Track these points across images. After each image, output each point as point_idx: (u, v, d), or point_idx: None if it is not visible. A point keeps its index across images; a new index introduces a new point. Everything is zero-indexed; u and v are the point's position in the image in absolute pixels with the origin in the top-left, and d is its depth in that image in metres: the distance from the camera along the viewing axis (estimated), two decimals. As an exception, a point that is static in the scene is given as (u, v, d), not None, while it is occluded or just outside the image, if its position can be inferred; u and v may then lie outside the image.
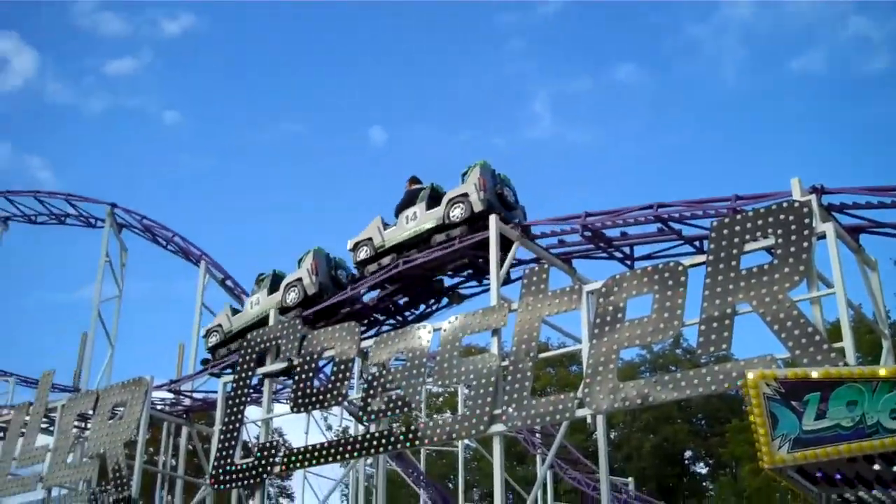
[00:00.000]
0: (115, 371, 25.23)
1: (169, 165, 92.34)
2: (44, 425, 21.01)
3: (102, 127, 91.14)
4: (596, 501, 23.17)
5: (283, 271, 19.42)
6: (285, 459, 15.80)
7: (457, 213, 16.56)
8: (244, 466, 16.11)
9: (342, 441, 15.70)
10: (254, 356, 16.99)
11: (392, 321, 18.38)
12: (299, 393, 15.81)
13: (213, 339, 20.30)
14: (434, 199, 17.24)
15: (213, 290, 25.77)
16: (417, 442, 14.89)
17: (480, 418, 13.71)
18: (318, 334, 16.28)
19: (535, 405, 13.36)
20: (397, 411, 15.07)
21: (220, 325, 20.34)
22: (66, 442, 19.68)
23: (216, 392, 19.03)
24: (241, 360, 17.09)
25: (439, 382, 15.04)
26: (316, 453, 15.44)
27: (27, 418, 20.62)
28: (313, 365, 16.02)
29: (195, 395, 22.42)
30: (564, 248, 16.12)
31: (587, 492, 26.12)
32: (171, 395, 23.37)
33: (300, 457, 15.66)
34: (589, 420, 13.68)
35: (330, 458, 15.47)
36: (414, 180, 18.34)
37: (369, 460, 26.72)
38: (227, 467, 16.25)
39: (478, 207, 16.14)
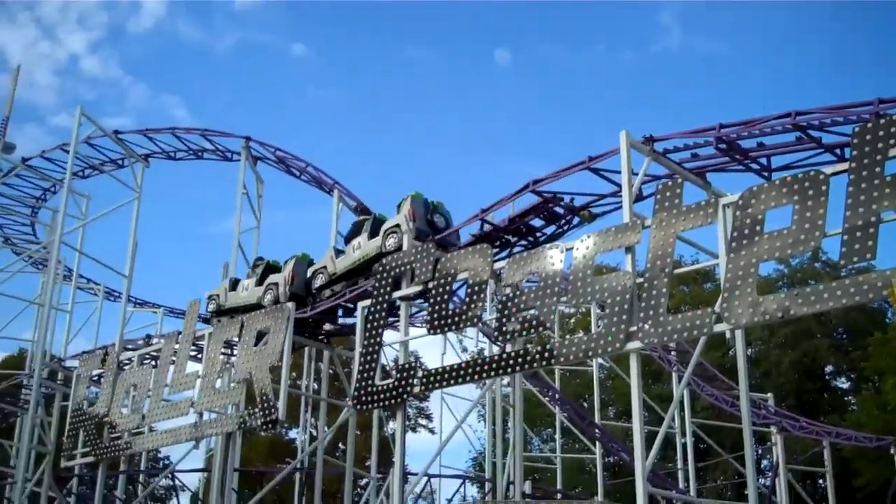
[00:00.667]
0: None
1: (298, 97, 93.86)
2: (192, 353, 21.93)
3: (233, 63, 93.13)
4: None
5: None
6: (424, 380, 16.14)
7: (391, 242, 18.73)
8: (384, 387, 16.53)
9: (478, 361, 15.93)
10: (390, 281, 17.31)
11: (524, 242, 18.38)
12: (435, 315, 16.07)
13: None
14: (375, 229, 19.51)
15: (347, 218, 26.24)
16: (553, 360, 14.98)
17: (616, 336, 13.70)
18: (451, 257, 16.47)
19: (671, 321, 13.27)
20: (532, 331, 15.19)
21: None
22: (214, 368, 20.50)
23: (355, 317, 19.51)
24: (377, 284, 17.43)
25: (573, 302, 15.09)
26: (453, 373, 15.72)
27: (176, 347, 21.57)
28: (447, 287, 16.24)
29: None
30: (698, 161, 15.75)
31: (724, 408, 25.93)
32: (311, 321, 24.06)
33: (438, 377, 15.95)
34: (727, 335, 13.50)
35: (467, 378, 15.73)
36: (363, 211, 21.66)
37: (505, 380, 27.04)
38: (368, 388, 16.69)
39: (409, 237, 18.26)
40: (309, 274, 21.09)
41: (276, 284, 21.28)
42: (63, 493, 26.86)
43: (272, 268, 22.19)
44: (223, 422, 20.09)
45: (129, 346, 24.12)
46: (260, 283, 21.84)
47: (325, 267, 20.70)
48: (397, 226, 18.81)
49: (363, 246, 19.67)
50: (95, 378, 24.15)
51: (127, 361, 23.25)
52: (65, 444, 24.12)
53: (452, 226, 19.02)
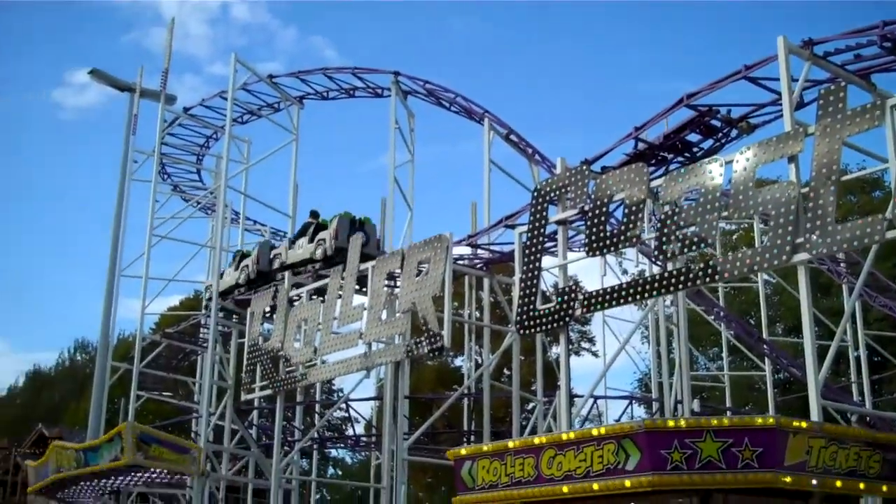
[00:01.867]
0: (415, 232, 26.49)
1: (443, 31, 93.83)
2: (357, 287, 22.58)
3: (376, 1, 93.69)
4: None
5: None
6: (585, 302, 16.13)
7: (318, 252, 24.65)
8: (546, 311, 16.59)
9: (640, 281, 15.80)
10: (545, 205, 17.30)
11: (680, 159, 18.04)
12: (593, 237, 15.97)
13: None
14: (314, 235, 24.84)
15: (498, 147, 26.31)
16: (717, 277, 14.68)
17: (782, 248, 13.34)
18: (606, 178, 16.29)
19: (839, 230, 12.83)
20: (693, 248, 14.95)
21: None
22: (379, 300, 21.03)
23: (512, 243, 19.65)
24: (533, 209, 17.43)
25: (734, 216, 14.74)
26: (615, 294, 15.63)
27: (342, 281, 22.22)
28: (604, 209, 16.09)
29: (492, 248, 23.19)
30: (861, 63, 15.04)
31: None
32: (469, 251, 24.36)
33: (599, 299, 15.88)
34: (901, 242, 12.97)
35: (629, 299, 15.62)
36: (312, 214, 25.87)
37: (668, 301, 26.77)
38: (530, 313, 16.81)
39: (330, 251, 23.96)
40: (271, 255, 26.43)
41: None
42: (244, 424, 28.29)
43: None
44: (391, 351, 20.64)
45: (298, 283, 24.99)
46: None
47: (280, 253, 26.24)
48: (324, 239, 24.52)
49: (304, 248, 25.21)
50: (268, 314, 25.15)
51: (296, 297, 24.09)
52: (243, 378, 25.29)
53: (374, 240, 24.43)
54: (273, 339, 23.99)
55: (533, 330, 17.01)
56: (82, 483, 23.96)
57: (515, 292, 17.83)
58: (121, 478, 23.69)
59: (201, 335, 30.38)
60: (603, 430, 10.76)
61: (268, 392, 24.15)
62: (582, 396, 21.52)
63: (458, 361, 47.66)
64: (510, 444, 12.00)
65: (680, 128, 17.21)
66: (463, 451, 12.61)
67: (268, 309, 24.96)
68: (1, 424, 70.81)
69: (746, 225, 33.06)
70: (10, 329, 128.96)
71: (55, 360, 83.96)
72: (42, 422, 47.11)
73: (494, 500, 12.11)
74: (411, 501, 43.44)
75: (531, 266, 17.06)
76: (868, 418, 20.86)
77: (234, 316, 28.68)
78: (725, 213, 14.84)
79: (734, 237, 40.84)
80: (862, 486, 10.92)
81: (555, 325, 16.43)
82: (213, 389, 27.87)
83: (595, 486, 10.50)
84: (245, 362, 25.01)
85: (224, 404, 27.15)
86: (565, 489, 10.85)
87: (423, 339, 19.50)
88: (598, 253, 16.10)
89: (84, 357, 76.87)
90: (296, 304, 23.95)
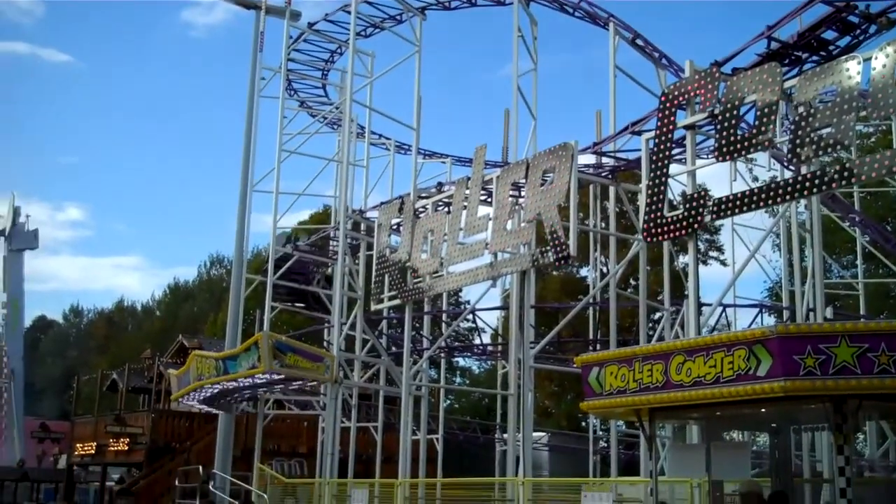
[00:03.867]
0: (540, 142, 26.28)
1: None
2: (482, 197, 22.68)
3: None
4: None
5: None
6: (714, 208, 15.83)
7: None
8: (674, 218, 16.37)
9: (772, 185, 15.41)
10: (673, 110, 16.94)
11: (815, 58, 17.36)
12: (723, 141, 15.59)
13: None
14: None
15: (624, 52, 25.81)
16: (853, 179, 14.18)
17: (924, 148, 12.80)
18: (737, 80, 15.81)
19: None
20: (828, 151, 14.46)
21: None
22: (504, 210, 21.10)
23: (638, 150, 19.36)
24: (661, 114, 17.10)
25: (872, 116, 14.19)
26: (745, 199, 15.26)
27: (467, 192, 22.33)
28: (735, 112, 15.64)
29: (618, 155, 22.91)
30: None
31: None
32: (594, 159, 24.12)
33: (728, 204, 15.56)
34: None
35: (759, 204, 15.24)
36: None
37: (800, 207, 26.06)
38: (658, 220, 16.57)
39: None
40: None
41: None
42: (375, 334, 29.01)
43: None
44: (517, 260, 20.76)
45: (423, 195, 25.25)
46: None
47: None
48: None
49: None
50: (394, 227, 25.55)
51: (422, 209, 24.38)
52: (372, 289, 25.88)
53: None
54: (400, 250, 24.42)
55: (660, 237, 16.81)
56: (221, 389, 24.99)
57: (642, 199, 17.63)
58: (259, 385, 24.61)
59: (331, 247, 31.08)
60: (734, 336, 10.64)
61: (396, 302, 24.67)
62: (710, 305, 21.29)
63: (583, 272, 47.63)
64: (639, 350, 11.99)
65: (815, 25, 16.53)
66: (591, 357, 12.68)
67: (395, 221, 25.35)
68: (143, 335, 74.46)
69: (885, 127, 31.70)
70: (148, 245, 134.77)
71: (193, 274, 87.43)
72: (182, 333, 49.22)
73: (622, 405, 12.19)
74: (538, 408, 44.06)
75: (659, 172, 16.79)
76: None
77: (362, 228, 29.25)
78: (863, 114, 14.30)
79: (872, 140, 39.23)
80: None
81: (683, 232, 16.20)
82: (344, 300, 28.60)
83: (725, 392, 10.44)
84: (374, 273, 25.55)
85: (354, 314, 27.86)
86: (694, 395, 10.82)
87: (548, 248, 19.53)
88: (728, 158, 15.74)
89: (220, 271, 79.75)
90: (421, 215, 24.25)
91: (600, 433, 31.86)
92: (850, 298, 31.85)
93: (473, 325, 32.83)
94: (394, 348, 30.43)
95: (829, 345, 9.66)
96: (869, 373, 9.51)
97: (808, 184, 14.39)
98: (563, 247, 19.06)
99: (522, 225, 20.49)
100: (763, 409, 11.66)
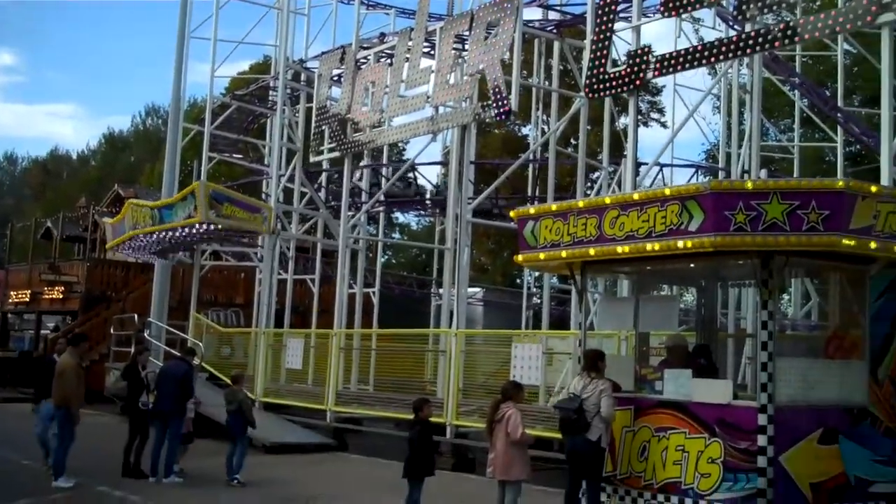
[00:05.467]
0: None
1: None
2: (426, 49, 22.27)
3: None
4: None
5: None
6: (657, 65, 15.73)
7: None
8: (616, 74, 16.25)
9: (714, 43, 15.30)
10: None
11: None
12: (669, -4, 15.38)
13: None
14: None
15: None
16: (797, 38, 14.17)
17: (867, 8, 12.75)
18: (685, -67, 15.48)
19: (931, -11, 12.19)
20: (773, 8, 14.36)
21: None
22: (447, 63, 20.79)
23: (585, 5, 19.07)
24: (607, -34, 16.74)
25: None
26: (689, 56, 15.18)
27: (410, 44, 21.90)
28: (682, -33, 15.41)
29: (564, 9, 22.57)
30: None
31: None
32: (540, 14, 23.75)
33: (672, 61, 15.47)
34: None
35: (703, 61, 15.17)
36: None
37: (742, 69, 26.08)
38: (600, 76, 16.46)
39: None
40: None
41: None
42: (314, 187, 28.83)
43: None
44: (458, 115, 20.57)
45: (365, 46, 24.73)
46: None
47: None
48: None
49: None
50: (335, 78, 25.07)
51: (363, 60, 23.92)
52: (311, 142, 25.55)
53: None
54: (340, 102, 24.03)
55: (602, 93, 16.74)
56: (157, 238, 24.71)
57: (586, 55, 17.45)
58: (196, 235, 24.41)
59: (270, 98, 30.53)
60: (668, 191, 10.68)
61: (335, 154, 24.43)
62: (648, 164, 21.42)
63: (525, 131, 47.54)
64: (574, 204, 12.03)
65: None
66: (527, 211, 12.69)
67: (336, 72, 24.87)
68: (78, 184, 73.21)
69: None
70: (83, 93, 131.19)
71: (128, 124, 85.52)
72: (118, 182, 48.48)
73: (555, 258, 12.28)
74: (474, 265, 44.55)
75: (604, 28, 16.60)
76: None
77: (302, 78, 28.68)
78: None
79: (817, 3, 39.10)
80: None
81: (625, 88, 16.13)
82: (283, 151, 28.25)
83: (656, 246, 10.54)
84: (313, 125, 25.19)
85: (293, 166, 27.60)
86: (626, 248, 10.92)
87: (490, 103, 19.35)
88: (673, 13, 15.58)
89: (157, 122, 78.14)
90: (363, 67, 23.81)
91: (534, 290, 32.35)
92: (785, 162, 32.32)
93: (413, 179, 32.74)
94: (332, 201, 30.29)
95: (760, 201, 9.73)
96: (798, 230, 9.63)
97: (751, 41, 14.33)
98: (505, 102, 18.85)
99: (465, 79, 20.25)
100: (692, 265, 11.82)
